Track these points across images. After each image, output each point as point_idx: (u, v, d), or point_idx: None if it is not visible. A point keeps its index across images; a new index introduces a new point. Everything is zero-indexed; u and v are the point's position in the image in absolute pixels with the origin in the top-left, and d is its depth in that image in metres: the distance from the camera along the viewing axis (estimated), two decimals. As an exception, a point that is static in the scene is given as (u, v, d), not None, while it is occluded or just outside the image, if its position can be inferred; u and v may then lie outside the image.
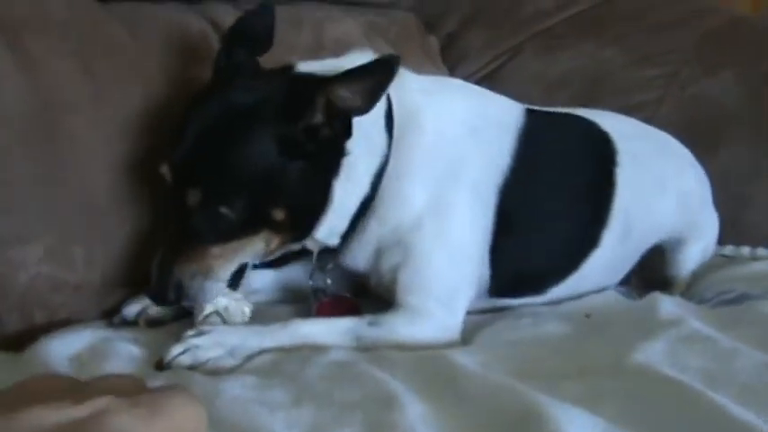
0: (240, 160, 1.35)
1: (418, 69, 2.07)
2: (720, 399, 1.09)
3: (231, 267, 1.41)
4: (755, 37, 2.29)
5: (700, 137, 1.99)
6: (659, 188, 1.76)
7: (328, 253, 1.55)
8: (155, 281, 1.37)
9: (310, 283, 1.58)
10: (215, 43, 1.74)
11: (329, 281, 1.57)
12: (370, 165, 1.46)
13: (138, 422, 0.63)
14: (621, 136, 1.72)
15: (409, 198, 1.48)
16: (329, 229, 1.47)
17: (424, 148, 1.50)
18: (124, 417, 0.63)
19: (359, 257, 1.53)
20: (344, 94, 1.33)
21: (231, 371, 1.28)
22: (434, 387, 1.17)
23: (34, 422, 0.61)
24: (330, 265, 1.57)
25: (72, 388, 0.67)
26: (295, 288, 1.65)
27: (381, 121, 1.47)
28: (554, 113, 1.75)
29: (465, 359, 1.27)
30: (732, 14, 2.40)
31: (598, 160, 1.69)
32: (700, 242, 1.84)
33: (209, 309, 1.40)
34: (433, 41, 2.41)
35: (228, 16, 1.79)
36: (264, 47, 1.52)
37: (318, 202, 1.43)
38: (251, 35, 1.51)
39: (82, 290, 1.47)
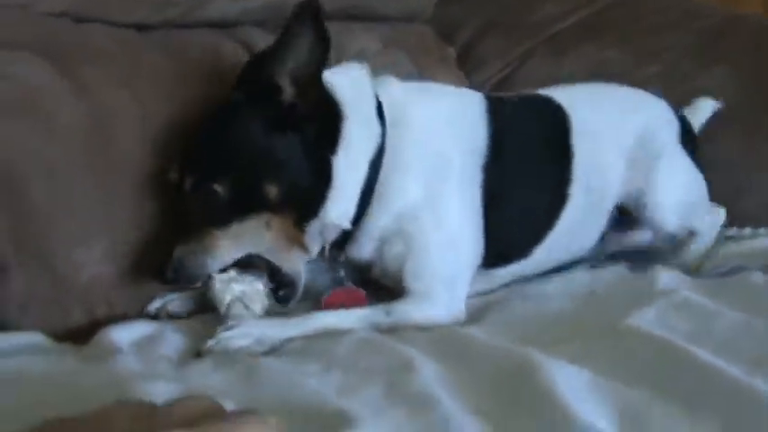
0: (226, 139, 1.52)
1: (436, 77, 2.24)
2: (697, 350, 1.21)
3: (236, 253, 1.54)
4: (750, 34, 2.40)
5: (698, 130, 2.12)
6: (610, 143, 1.87)
7: (337, 248, 1.66)
8: (161, 263, 1.53)
9: (329, 275, 1.70)
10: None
11: (342, 272, 1.69)
12: (367, 149, 1.59)
13: None
14: (573, 104, 1.87)
15: (406, 189, 1.62)
16: (339, 211, 1.57)
17: (414, 142, 1.64)
18: None
19: (364, 248, 1.65)
20: (296, 60, 1.48)
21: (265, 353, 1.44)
22: (446, 353, 1.32)
23: None
24: (342, 258, 1.68)
25: (145, 415, 0.67)
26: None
27: (374, 113, 1.61)
28: (511, 95, 1.93)
29: (474, 331, 1.44)
30: (728, 13, 2.52)
31: (556, 129, 1.84)
32: (664, 191, 1.89)
33: (227, 298, 1.52)
34: (450, 51, 2.55)
35: (260, 39, 1.96)
36: None
37: (315, 179, 1.54)
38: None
39: (135, 286, 1.62)
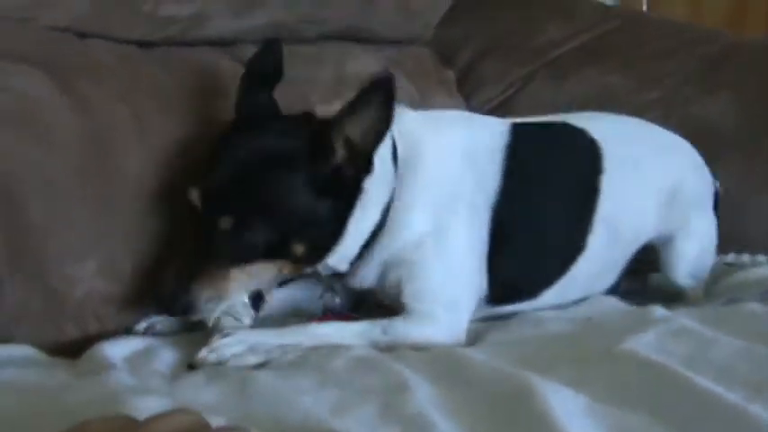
0: (269, 191, 1.48)
1: (434, 100, 2.24)
2: (695, 376, 1.20)
3: (245, 291, 1.53)
4: (752, 59, 2.42)
5: (700, 154, 2.10)
6: (645, 189, 1.84)
7: (336, 275, 1.66)
8: (168, 292, 1.49)
9: (321, 301, 1.71)
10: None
11: (338, 300, 1.70)
12: (380, 198, 1.57)
13: None
14: (612, 140, 1.81)
15: (414, 224, 1.60)
16: (340, 257, 1.58)
17: (427, 178, 1.62)
18: None
19: (365, 278, 1.64)
20: (357, 130, 1.46)
21: (259, 366, 1.43)
22: (442, 374, 1.30)
23: None
24: (338, 286, 1.69)
25: (127, 430, 0.67)
26: (296, 307, 1.75)
27: (389, 156, 1.59)
28: (541, 125, 1.85)
29: (471, 353, 1.42)
30: (730, 39, 2.53)
31: (583, 168, 1.79)
32: (692, 240, 1.87)
33: (217, 311, 1.50)
34: (449, 74, 2.54)
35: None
36: (276, 78, 1.65)
37: (334, 235, 1.54)
38: (263, 72, 1.64)
39: (129, 302, 1.61)
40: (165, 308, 1.53)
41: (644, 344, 1.39)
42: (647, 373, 1.26)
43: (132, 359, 1.46)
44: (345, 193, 1.52)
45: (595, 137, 1.81)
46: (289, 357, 1.45)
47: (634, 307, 1.75)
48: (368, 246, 1.60)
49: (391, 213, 1.59)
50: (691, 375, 1.21)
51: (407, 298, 1.60)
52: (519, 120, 1.81)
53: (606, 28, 2.58)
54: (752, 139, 2.24)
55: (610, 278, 1.87)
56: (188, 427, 0.66)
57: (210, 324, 1.51)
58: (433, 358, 1.41)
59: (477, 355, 1.40)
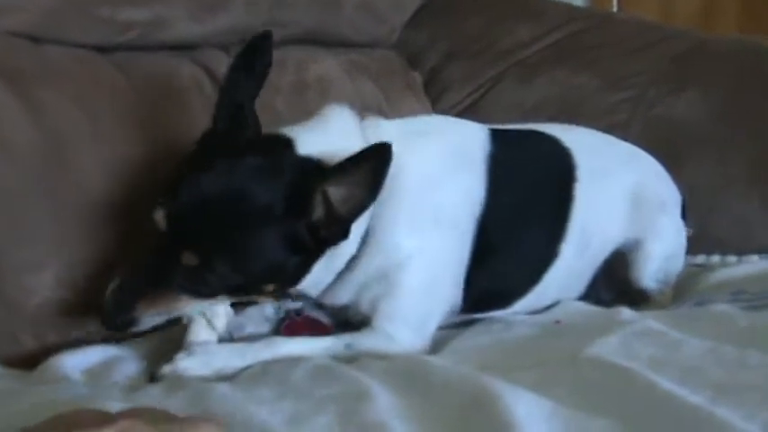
0: (248, 250, 1.39)
1: (401, 103, 2.22)
2: (660, 379, 1.19)
3: (196, 310, 1.47)
4: (721, 57, 2.42)
5: (667, 154, 2.05)
6: (615, 199, 1.82)
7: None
8: (110, 308, 1.39)
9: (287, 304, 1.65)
10: (207, 88, 1.89)
11: (300, 304, 1.64)
12: (359, 228, 1.49)
13: None
14: (582, 150, 1.80)
15: (397, 246, 1.54)
16: (312, 284, 1.53)
17: (409, 194, 1.54)
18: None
19: (340, 297, 1.58)
20: (339, 193, 1.37)
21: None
22: (404, 382, 1.28)
23: None
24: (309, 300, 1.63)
25: (102, 416, 0.73)
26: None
27: None
28: (518, 133, 1.82)
29: (434, 360, 1.41)
30: (699, 38, 2.53)
31: (559, 176, 1.77)
32: (658, 243, 1.85)
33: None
34: (416, 77, 2.53)
35: (220, 63, 1.92)
36: (264, 76, 1.53)
37: (302, 273, 1.49)
38: (249, 72, 1.51)
39: (89, 313, 1.57)
40: (106, 322, 1.42)
41: (610, 346, 1.38)
42: (613, 376, 1.25)
43: (91, 371, 1.44)
44: (320, 248, 1.46)
45: (567, 146, 1.80)
46: (250, 369, 1.42)
47: (601, 308, 1.74)
48: (345, 271, 1.55)
49: (371, 234, 1.53)
50: (656, 378, 1.20)
51: (378, 316, 1.55)
52: (494, 126, 1.77)
53: (574, 28, 2.56)
54: (721, 139, 2.24)
55: (578, 287, 1.85)
56: (161, 414, 0.74)
57: (184, 320, 1.49)
58: (394, 366, 1.38)
59: (439, 361, 1.38)
